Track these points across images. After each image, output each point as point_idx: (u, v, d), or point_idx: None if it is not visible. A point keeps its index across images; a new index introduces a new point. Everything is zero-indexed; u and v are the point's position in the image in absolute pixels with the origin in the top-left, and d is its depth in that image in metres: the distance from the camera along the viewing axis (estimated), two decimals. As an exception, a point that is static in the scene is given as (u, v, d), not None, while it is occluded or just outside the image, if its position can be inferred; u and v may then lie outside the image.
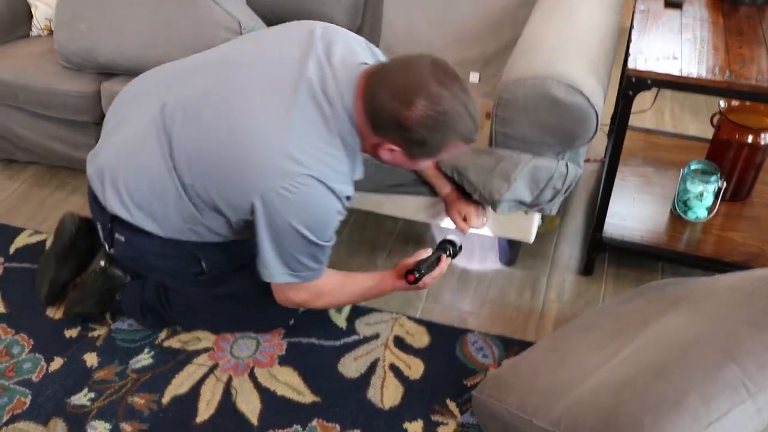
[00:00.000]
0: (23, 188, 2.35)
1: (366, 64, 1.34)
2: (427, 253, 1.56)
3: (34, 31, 2.30)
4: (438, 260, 1.56)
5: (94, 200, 1.52)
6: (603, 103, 1.52)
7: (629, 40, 1.65)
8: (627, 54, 1.64)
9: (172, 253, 1.51)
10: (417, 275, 1.49)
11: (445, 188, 1.71)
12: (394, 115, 1.23)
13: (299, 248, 1.37)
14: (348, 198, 1.39)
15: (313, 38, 1.36)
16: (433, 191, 1.73)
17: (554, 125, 1.49)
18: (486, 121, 1.87)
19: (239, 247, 1.52)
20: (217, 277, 1.60)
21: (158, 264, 1.56)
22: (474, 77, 2.10)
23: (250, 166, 1.30)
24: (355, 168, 1.40)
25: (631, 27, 1.68)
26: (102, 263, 1.70)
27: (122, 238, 1.51)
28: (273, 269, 1.41)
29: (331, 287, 1.53)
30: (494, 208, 1.61)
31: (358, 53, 1.38)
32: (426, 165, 1.45)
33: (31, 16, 2.29)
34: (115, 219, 1.48)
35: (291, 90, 1.30)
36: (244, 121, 1.31)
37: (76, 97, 2.02)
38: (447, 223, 1.78)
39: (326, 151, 1.31)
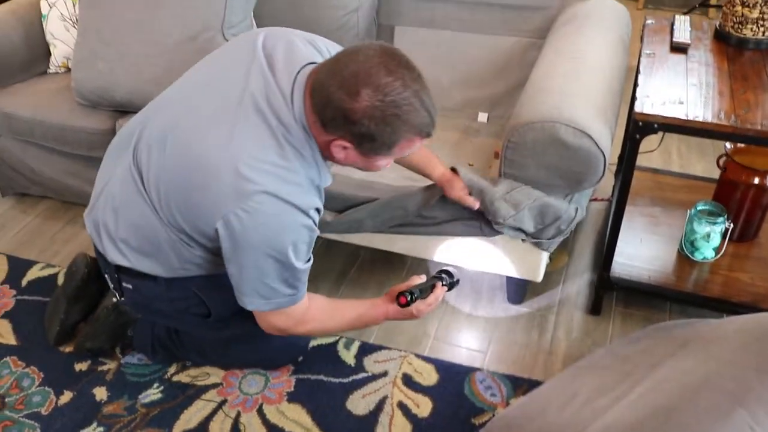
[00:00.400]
0: (36, 222, 2.39)
1: (314, 63, 1.28)
2: (421, 279, 1.54)
3: (52, 69, 2.36)
4: (432, 287, 1.52)
5: (98, 253, 1.54)
6: (610, 146, 1.54)
7: (636, 84, 1.68)
8: (634, 95, 1.67)
9: (177, 296, 1.52)
10: (409, 298, 1.43)
11: (438, 169, 1.63)
12: (340, 107, 1.16)
13: (268, 273, 1.31)
14: (318, 210, 1.32)
15: (255, 49, 1.30)
16: (443, 230, 1.73)
17: (562, 168, 1.51)
18: (495, 161, 1.90)
19: None
20: (223, 320, 1.59)
21: (166, 309, 1.56)
22: (482, 117, 2.13)
23: (207, 191, 1.25)
24: (321, 176, 1.34)
25: (638, 71, 1.71)
26: (114, 299, 1.72)
27: (130, 286, 1.52)
28: (245, 296, 1.36)
29: (316, 314, 1.47)
30: (494, 228, 1.61)
31: (303, 53, 1.30)
32: (383, 163, 1.31)
33: (50, 54, 2.34)
34: (120, 268, 1.49)
35: (235, 107, 1.25)
36: (196, 146, 1.27)
37: (91, 134, 2.06)
38: (449, 259, 1.79)
39: (278, 164, 1.24)
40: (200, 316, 1.58)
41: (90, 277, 1.82)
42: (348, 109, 1.15)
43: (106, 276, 1.58)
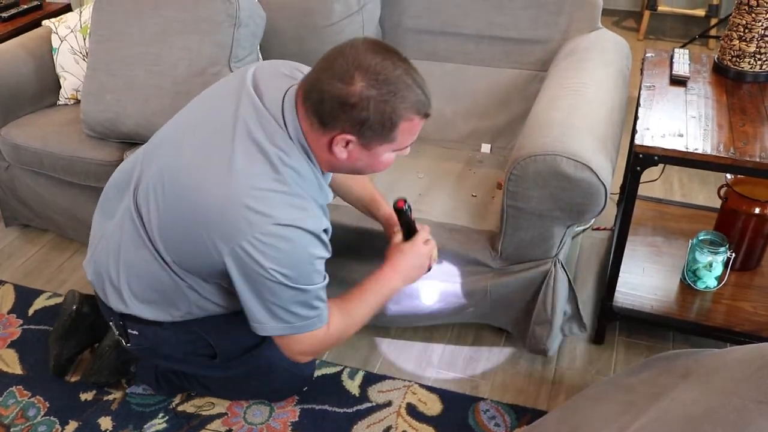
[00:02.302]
0: (42, 252, 2.41)
1: (296, 80, 1.31)
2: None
3: (62, 101, 2.40)
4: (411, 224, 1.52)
5: (101, 302, 1.54)
6: (611, 178, 1.56)
7: (636, 116, 1.71)
8: (634, 127, 1.70)
9: (184, 339, 1.52)
10: (405, 206, 1.47)
11: (383, 208, 1.64)
12: (337, 95, 1.16)
13: (286, 299, 1.29)
14: (326, 231, 1.30)
15: (244, 81, 1.32)
16: None
17: (564, 200, 1.53)
18: (498, 192, 1.92)
19: (244, 326, 1.41)
20: (229, 360, 1.60)
21: (173, 353, 1.57)
22: (485, 148, 2.16)
23: (212, 228, 1.24)
24: (323, 192, 1.35)
25: (638, 103, 1.74)
26: (116, 336, 1.72)
27: (135, 332, 1.52)
28: (267, 325, 1.34)
29: (337, 323, 1.41)
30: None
31: (288, 78, 1.33)
32: (387, 158, 1.29)
33: (59, 86, 2.38)
34: (124, 315, 1.49)
35: (230, 139, 1.25)
36: (196, 184, 1.26)
37: (100, 165, 2.08)
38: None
39: (280, 190, 1.24)
40: (207, 357, 1.58)
41: (79, 314, 1.80)
42: (344, 95, 1.16)
43: (110, 323, 1.58)
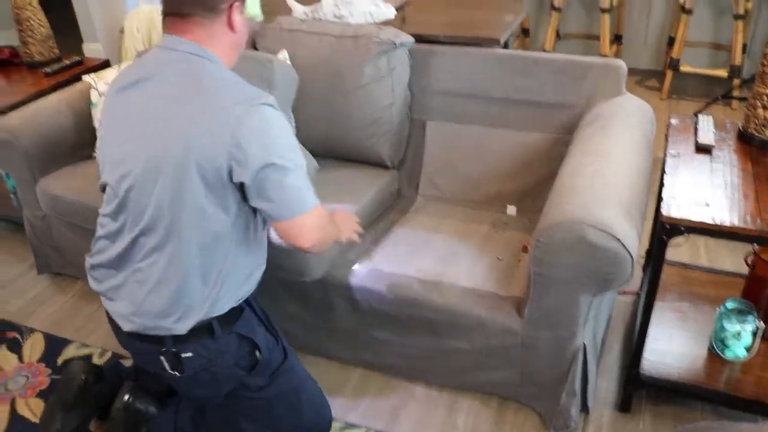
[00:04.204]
0: (73, 300, 2.45)
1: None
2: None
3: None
4: None
5: (136, 342, 1.53)
6: (637, 246, 1.57)
7: (662, 183, 1.72)
8: (660, 193, 1.70)
9: (234, 345, 1.54)
10: None
11: None
12: None
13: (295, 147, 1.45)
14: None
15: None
16: None
17: (590, 268, 1.54)
18: (523, 255, 1.93)
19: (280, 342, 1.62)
20: (266, 369, 1.62)
21: (225, 364, 1.56)
22: (511, 210, 2.18)
23: (212, 117, 1.36)
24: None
25: (663, 170, 1.76)
26: (126, 398, 1.72)
27: (190, 354, 1.51)
28: (301, 197, 1.45)
29: (323, 212, 1.54)
30: None
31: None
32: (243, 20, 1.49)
33: (95, 139, 2.46)
34: (168, 341, 1.49)
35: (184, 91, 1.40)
36: (179, 118, 1.38)
37: (133, 218, 2.13)
38: None
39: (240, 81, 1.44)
40: (249, 369, 1.59)
41: (87, 383, 1.80)
42: None
43: (155, 360, 1.54)
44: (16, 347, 2.23)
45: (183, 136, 1.36)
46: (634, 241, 1.55)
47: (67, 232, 2.37)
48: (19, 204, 2.64)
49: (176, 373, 1.55)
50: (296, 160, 1.43)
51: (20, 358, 2.17)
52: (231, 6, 1.43)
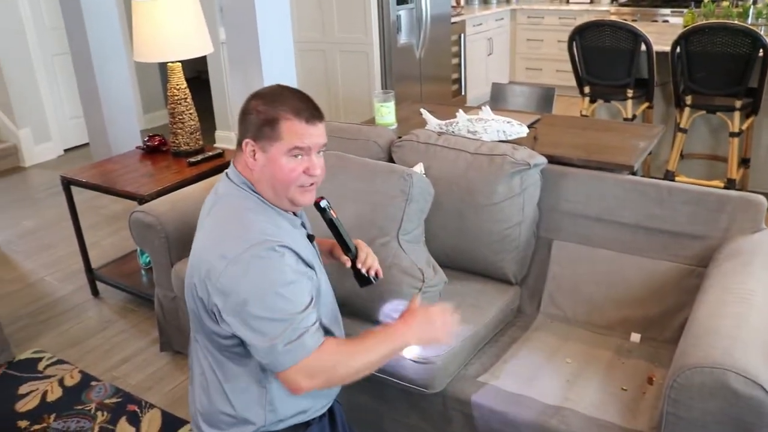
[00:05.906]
0: (192, 381, 2.54)
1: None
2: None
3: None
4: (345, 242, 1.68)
5: None
6: (783, 398, 1.49)
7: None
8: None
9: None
10: (351, 257, 1.68)
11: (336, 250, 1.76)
12: (239, 113, 1.50)
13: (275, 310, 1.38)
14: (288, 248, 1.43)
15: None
16: None
17: (730, 415, 1.47)
18: (649, 387, 1.86)
19: None
20: None
21: None
22: (635, 337, 2.12)
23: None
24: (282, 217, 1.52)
25: (809, 317, 1.67)
26: None
27: None
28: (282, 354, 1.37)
29: (335, 355, 1.42)
30: None
31: None
32: (287, 162, 1.45)
33: (232, 230, 2.61)
34: None
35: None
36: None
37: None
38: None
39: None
40: None
41: None
42: (242, 110, 1.49)
43: None
44: (135, 421, 2.33)
45: (194, 254, 1.52)
46: (781, 391, 1.47)
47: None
48: (149, 281, 2.82)
49: None
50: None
51: (139, 433, 2.26)
52: (243, 143, 1.49)
